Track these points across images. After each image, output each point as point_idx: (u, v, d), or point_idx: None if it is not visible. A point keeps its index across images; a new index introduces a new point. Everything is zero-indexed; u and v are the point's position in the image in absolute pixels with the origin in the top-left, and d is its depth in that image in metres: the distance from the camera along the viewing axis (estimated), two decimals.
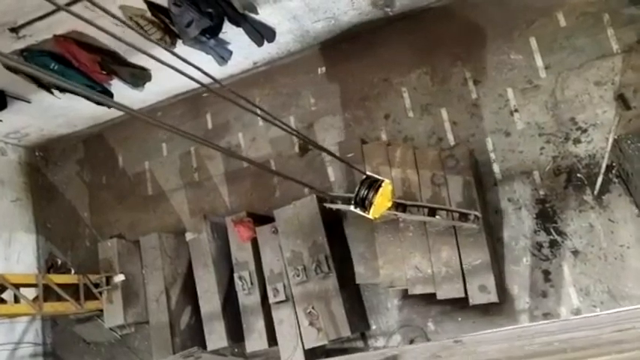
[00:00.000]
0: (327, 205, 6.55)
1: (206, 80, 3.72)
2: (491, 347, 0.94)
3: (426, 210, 6.05)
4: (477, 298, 6.07)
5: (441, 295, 6.19)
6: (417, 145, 7.13)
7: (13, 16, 6.39)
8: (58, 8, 3.65)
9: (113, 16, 3.32)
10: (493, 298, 6.03)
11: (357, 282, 6.80)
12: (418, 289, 6.31)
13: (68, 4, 5.31)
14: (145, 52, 3.27)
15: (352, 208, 4.60)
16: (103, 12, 3.07)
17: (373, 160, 6.67)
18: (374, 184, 4.52)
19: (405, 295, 6.84)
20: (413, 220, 6.21)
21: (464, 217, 5.95)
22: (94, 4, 3.11)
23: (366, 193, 4.50)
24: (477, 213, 5.94)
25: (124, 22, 3.75)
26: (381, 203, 4.52)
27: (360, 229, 6.69)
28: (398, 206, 5.85)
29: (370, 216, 4.53)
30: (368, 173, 4.75)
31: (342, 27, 7.84)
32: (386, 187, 4.53)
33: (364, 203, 4.50)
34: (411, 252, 6.33)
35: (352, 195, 4.63)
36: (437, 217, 6.02)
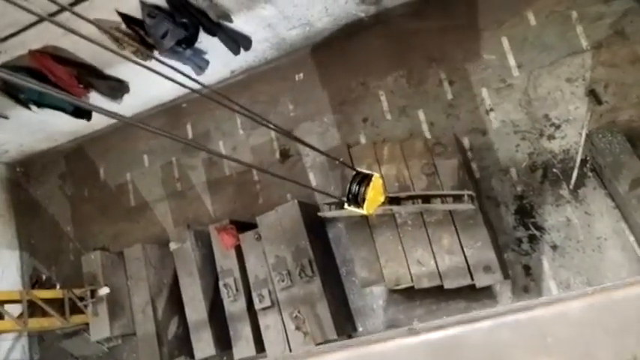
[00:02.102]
0: (321, 213, 6.54)
1: (192, 85, 3.76)
2: (418, 338, 0.99)
3: (419, 200, 6.04)
4: (482, 280, 5.99)
5: (448, 284, 6.10)
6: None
7: None
8: (34, 23, 3.69)
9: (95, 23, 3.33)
10: (498, 277, 5.96)
11: (362, 287, 6.71)
12: (424, 283, 6.20)
13: (49, 16, 5.32)
14: (131, 60, 3.30)
15: (346, 205, 4.61)
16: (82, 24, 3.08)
17: (362, 161, 6.64)
18: (364, 180, 4.55)
19: (390, 296, 6.91)
20: (408, 211, 6.19)
21: (458, 199, 5.95)
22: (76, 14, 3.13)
23: (357, 188, 4.52)
24: (469, 192, 5.93)
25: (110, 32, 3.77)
26: (374, 198, 4.54)
27: (359, 234, 6.61)
28: (392, 201, 5.84)
29: (365, 211, 4.55)
30: (357, 169, 4.76)
31: (318, 33, 7.93)
32: (376, 181, 4.55)
33: (357, 199, 4.52)
34: (412, 246, 6.26)
35: (343, 197, 4.65)
36: (431, 202, 5.99)
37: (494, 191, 6.91)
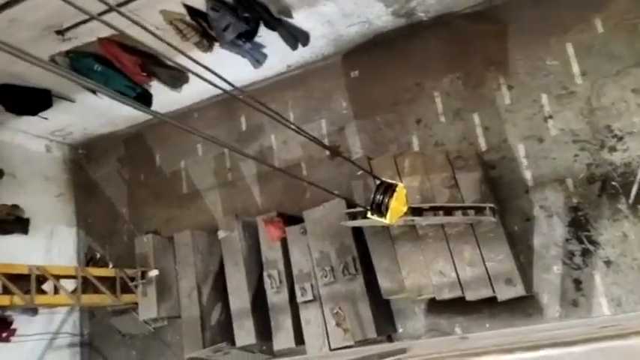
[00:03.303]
0: (345, 222, 6.59)
1: (239, 84, 3.84)
2: (491, 341, 0.99)
3: (441, 212, 6.07)
4: (504, 293, 6.02)
5: (469, 296, 6.16)
6: (450, 150, 7.10)
7: (59, 20, 6.71)
8: (102, 13, 3.85)
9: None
10: (520, 290, 5.97)
11: (385, 297, 6.75)
12: (445, 294, 6.29)
13: (117, 6, 5.54)
14: (170, 59, 3.40)
15: (369, 214, 4.63)
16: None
17: (383, 173, 6.64)
18: (388, 189, 4.55)
19: (433, 301, 6.84)
20: (430, 223, 6.22)
21: (480, 211, 5.95)
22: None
23: (381, 198, 4.52)
24: (491, 205, 5.93)
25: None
26: (397, 208, 4.54)
27: (381, 244, 6.69)
28: (414, 211, 5.87)
29: (387, 221, 4.55)
30: (382, 179, 4.76)
31: (376, 31, 7.92)
32: (400, 191, 4.55)
33: (380, 208, 4.52)
34: (434, 257, 6.33)
35: (367, 207, 4.67)
36: (453, 215, 6.02)
37: (548, 201, 6.72)
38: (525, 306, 6.44)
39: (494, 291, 6.05)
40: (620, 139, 6.51)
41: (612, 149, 6.53)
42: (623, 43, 6.66)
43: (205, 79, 3.35)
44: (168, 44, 3.50)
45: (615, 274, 6.26)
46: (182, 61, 3.53)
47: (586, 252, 6.45)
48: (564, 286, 6.49)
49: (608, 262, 6.31)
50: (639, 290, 6.11)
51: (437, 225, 6.33)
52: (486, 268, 6.09)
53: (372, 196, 4.59)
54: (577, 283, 6.43)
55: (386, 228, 6.51)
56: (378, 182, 4.68)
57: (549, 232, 6.66)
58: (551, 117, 6.94)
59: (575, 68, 6.90)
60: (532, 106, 7.07)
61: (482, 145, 7.23)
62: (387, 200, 4.50)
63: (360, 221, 6.38)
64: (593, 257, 6.41)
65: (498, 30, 7.40)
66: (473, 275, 6.13)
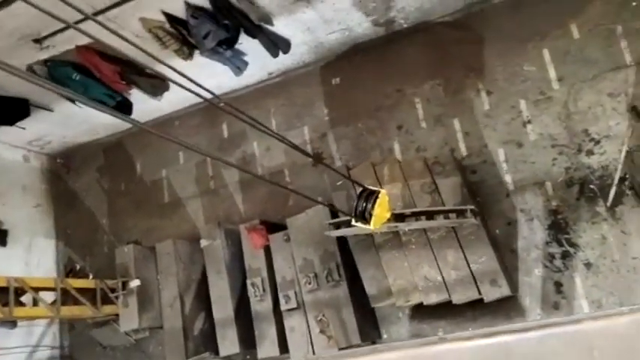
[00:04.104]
0: (329, 232, 6.61)
1: (220, 92, 3.83)
2: (470, 343, 1.00)
3: (423, 217, 6.13)
4: (490, 294, 6.09)
5: (456, 299, 6.20)
6: (430, 156, 7.16)
7: (37, 28, 6.63)
8: (79, 21, 3.82)
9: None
10: (505, 291, 6.04)
11: (373, 305, 6.78)
12: (433, 299, 6.32)
13: (94, 14, 5.49)
14: (151, 69, 3.39)
15: (353, 221, 4.66)
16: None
17: (363, 182, 6.68)
18: (371, 196, 4.59)
19: (417, 306, 6.86)
20: (413, 228, 6.27)
21: (461, 214, 6.02)
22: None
23: (364, 204, 4.56)
24: (472, 207, 6.01)
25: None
26: (380, 214, 4.59)
27: (366, 253, 6.73)
28: (397, 217, 5.92)
29: (372, 227, 4.59)
30: (365, 186, 4.81)
31: (357, 39, 7.97)
32: (383, 198, 4.60)
33: (364, 215, 4.56)
34: (418, 263, 6.38)
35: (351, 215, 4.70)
36: (435, 219, 6.08)
37: (528, 205, 6.80)
38: (507, 309, 6.49)
39: (480, 292, 6.10)
40: (597, 142, 6.62)
41: (590, 153, 6.64)
42: (598, 48, 6.79)
43: (186, 88, 3.34)
44: (147, 53, 3.49)
45: (595, 276, 6.35)
46: (162, 69, 3.51)
47: (566, 254, 6.53)
48: (545, 288, 6.56)
49: (588, 265, 6.40)
50: (619, 292, 6.20)
51: (419, 230, 6.38)
52: (471, 271, 6.15)
53: (355, 203, 4.63)
54: (558, 285, 6.51)
55: (370, 236, 6.55)
56: (360, 189, 4.71)
57: (530, 236, 6.74)
58: (529, 122, 7.04)
59: (552, 73, 7.02)
60: (511, 111, 7.16)
61: (463, 150, 7.30)
62: (370, 207, 4.53)
63: (344, 230, 6.40)
64: (573, 260, 6.49)
65: (477, 37, 7.50)
66: (458, 278, 6.18)
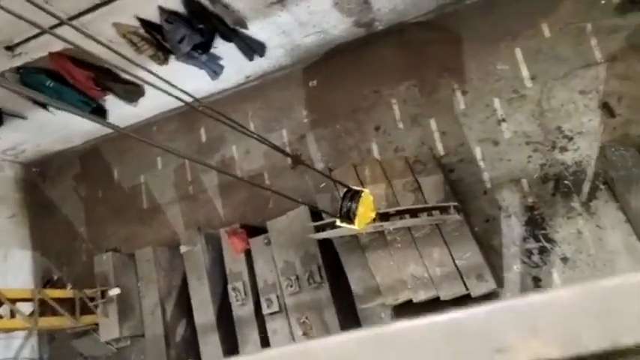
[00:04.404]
0: (313, 235, 6.60)
1: (197, 96, 3.82)
2: (423, 321, 1.02)
3: (407, 215, 6.16)
4: (477, 289, 6.11)
5: (443, 295, 6.19)
6: (409, 156, 7.21)
7: (9, 35, 6.53)
8: (54, 26, 3.77)
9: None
10: (492, 285, 6.08)
11: (361, 306, 6.79)
12: (422, 296, 6.32)
13: (71, 19, 5.43)
14: (129, 73, 3.37)
15: (338, 222, 4.68)
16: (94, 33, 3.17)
17: (345, 183, 6.74)
18: (355, 196, 4.62)
19: (398, 306, 6.89)
20: (397, 227, 6.30)
21: (444, 211, 6.07)
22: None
23: (349, 204, 4.59)
24: (455, 204, 6.06)
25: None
26: (365, 213, 4.61)
27: (351, 254, 6.73)
28: (381, 217, 5.95)
29: (356, 227, 4.61)
30: (349, 186, 4.83)
31: (333, 41, 8.00)
32: (366, 197, 4.63)
33: (349, 215, 4.58)
34: (404, 262, 6.39)
35: (336, 217, 4.72)
36: (419, 217, 6.12)
37: (506, 202, 6.89)
38: None
39: (467, 288, 6.12)
40: (571, 139, 6.74)
41: (563, 149, 6.76)
42: (569, 46, 6.92)
43: (166, 92, 3.33)
44: (125, 57, 3.47)
45: (572, 271, 6.45)
46: (140, 73, 3.49)
47: (543, 250, 6.63)
48: (524, 284, 6.65)
49: (564, 259, 6.51)
50: None
51: (404, 229, 6.40)
52: (457, 267, 6.18)
53: (340, 203, 4.65)
54: (536, 280, 6.60)
55: (355, 237, 6.56)
56: (344, 190, 4.73)
57: (508, 232, 6.83)
58: (504, 120, 7.14)
59: (525, 72, 7.13)
60: (485, 110, 7.26)
61: (440, 149, 7.37)
62: (354, 206, 4.56)
63: (329, 232, 6.40)
64: (550, 255, 6.59)
65: (450, 37, 7.59)
66: (444, 275, 6.20)
